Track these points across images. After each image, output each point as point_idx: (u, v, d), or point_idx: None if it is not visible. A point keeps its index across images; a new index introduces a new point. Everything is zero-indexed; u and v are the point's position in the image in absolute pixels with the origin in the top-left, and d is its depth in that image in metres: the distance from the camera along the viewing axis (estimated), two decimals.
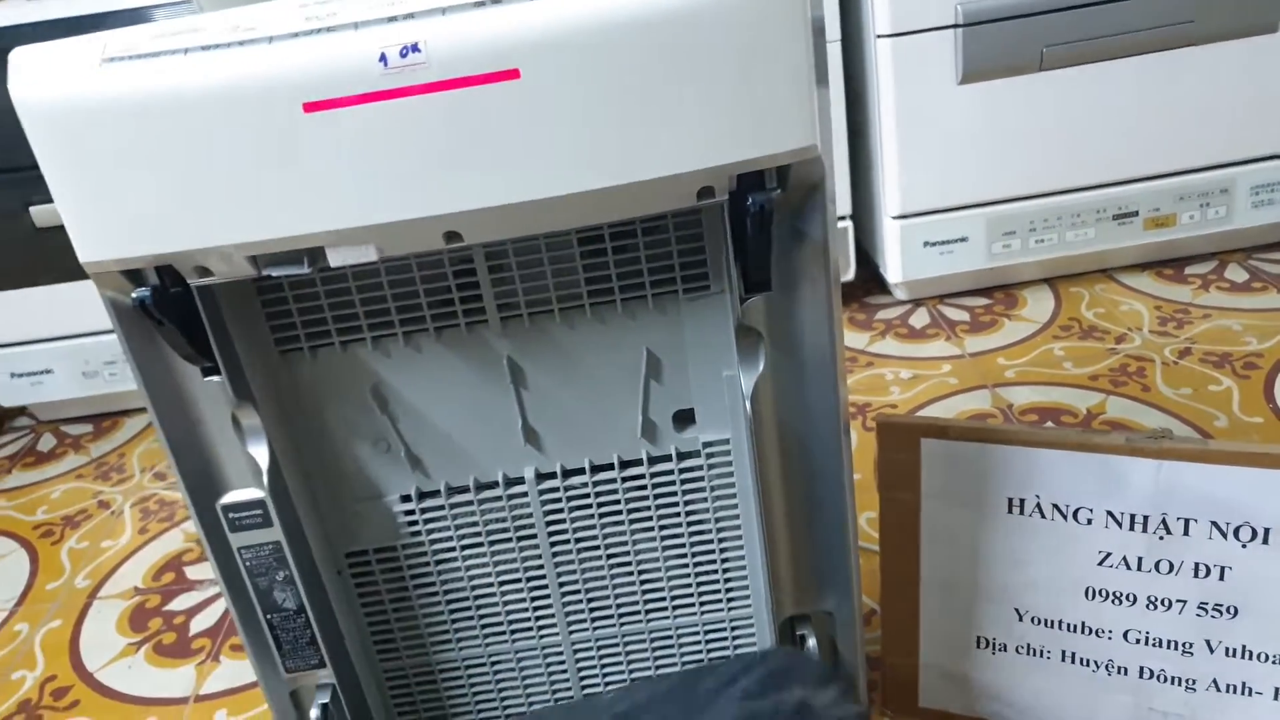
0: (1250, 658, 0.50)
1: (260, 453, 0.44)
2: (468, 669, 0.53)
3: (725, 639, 0.53)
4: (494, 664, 0.53)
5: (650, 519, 0.49)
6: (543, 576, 0.51)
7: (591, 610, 0.52)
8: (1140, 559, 0.50)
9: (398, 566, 0.50)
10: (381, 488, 0.48)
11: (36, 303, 1.06)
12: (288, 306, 0.44)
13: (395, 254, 0.37)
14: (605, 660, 0.53)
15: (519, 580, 0.51)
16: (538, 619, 0.52)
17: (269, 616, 0.46)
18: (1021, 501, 0.52)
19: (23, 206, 1.00)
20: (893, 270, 1.10)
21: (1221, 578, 0.49)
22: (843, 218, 1.12)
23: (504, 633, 0.52)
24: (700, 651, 0.53)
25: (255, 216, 0.35)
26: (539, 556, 0.50)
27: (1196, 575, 0.49)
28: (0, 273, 1.05)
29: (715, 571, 0.51)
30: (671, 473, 0.48)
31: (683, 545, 0.50)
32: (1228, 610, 0.49)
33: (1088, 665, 0.54)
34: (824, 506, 0.47)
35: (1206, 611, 0.50)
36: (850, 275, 1.15)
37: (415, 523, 0.49)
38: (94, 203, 0.35)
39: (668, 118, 0.35)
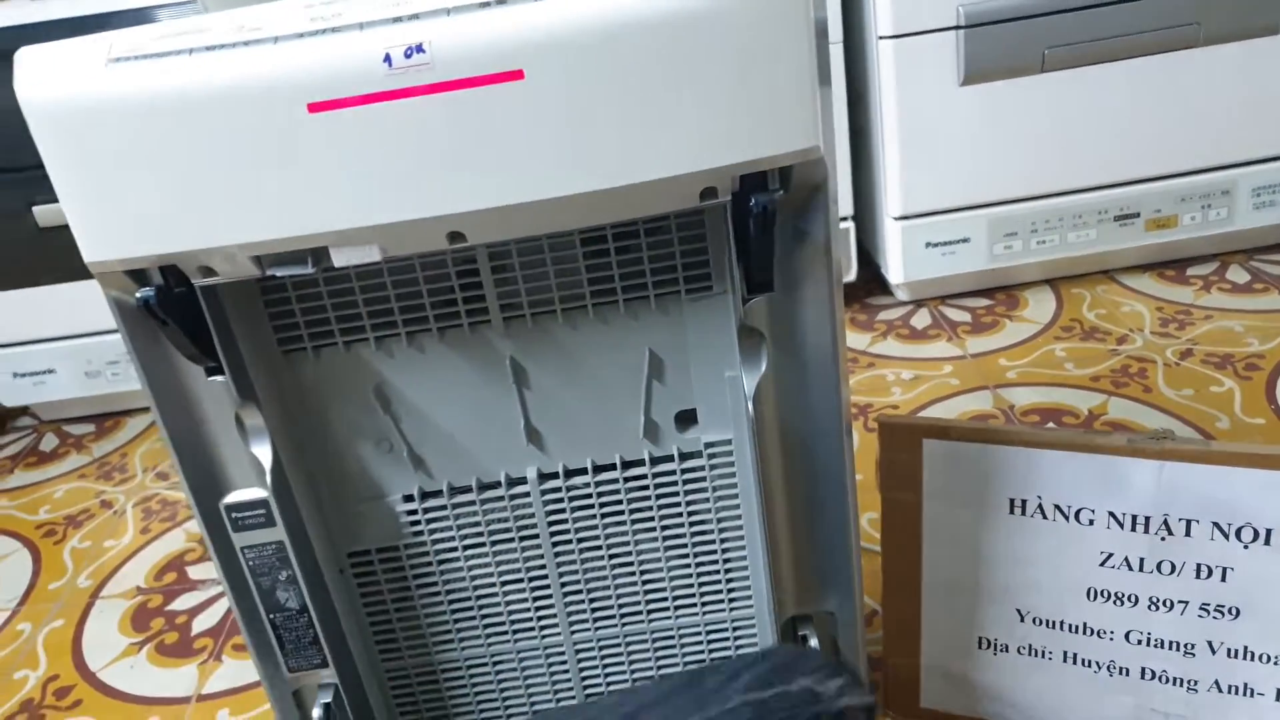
0: (1252, 658, 0.50)
1: (263, 452, 0.44)
2: (470, 669, 0.53)
3: (727, 639, 0.53)
4: (496, 664, 0.53)
5: (652, 519, 0.49)
6: (545, 576, 0.51)
7: (594, 610, 0.52)
8: (1142, 560, 0.50)
9: (400, 566, 0.50)
10: (384, 488, 0.48)
11: (39, 303, 1.06)
12: (291, 306, 0.44)
13: (399, 254, 0.38)
14: (607, 660, 0.53)
15: (521, 580, 0.51)
16: (540, 619, 0.52)
17: (272, 616, 0.47)
18: (1023, 502, 0.52)
19: (26, 206, 1.00)
20: (894, 271, 1.10)
21: (1223, 579, 0.49)
22: (844, 218, 1.12)
23: (506, 632, 0.52)
24: (702, 651, 0.53)
25: (260, 216, 0.35)
26: (541, 556, 0.50)
27: (1198, 576, 0.49)
28: (3, 273, 1.05)
29: (717, 572, 0.51)
30: (674, 473, 0.49)
31: (685, 545, 0.50)
32: (1229, 611, 0.49)
33: (1089, 666, 0.54)
34: (826, 507, 0.47)
35: (1208, 612, 0.50)
36: (852, 276, 1.15)
37: (418, 523, 0.49)
38: (99, 203, 0.35)
39: (671, 119, 0.35)
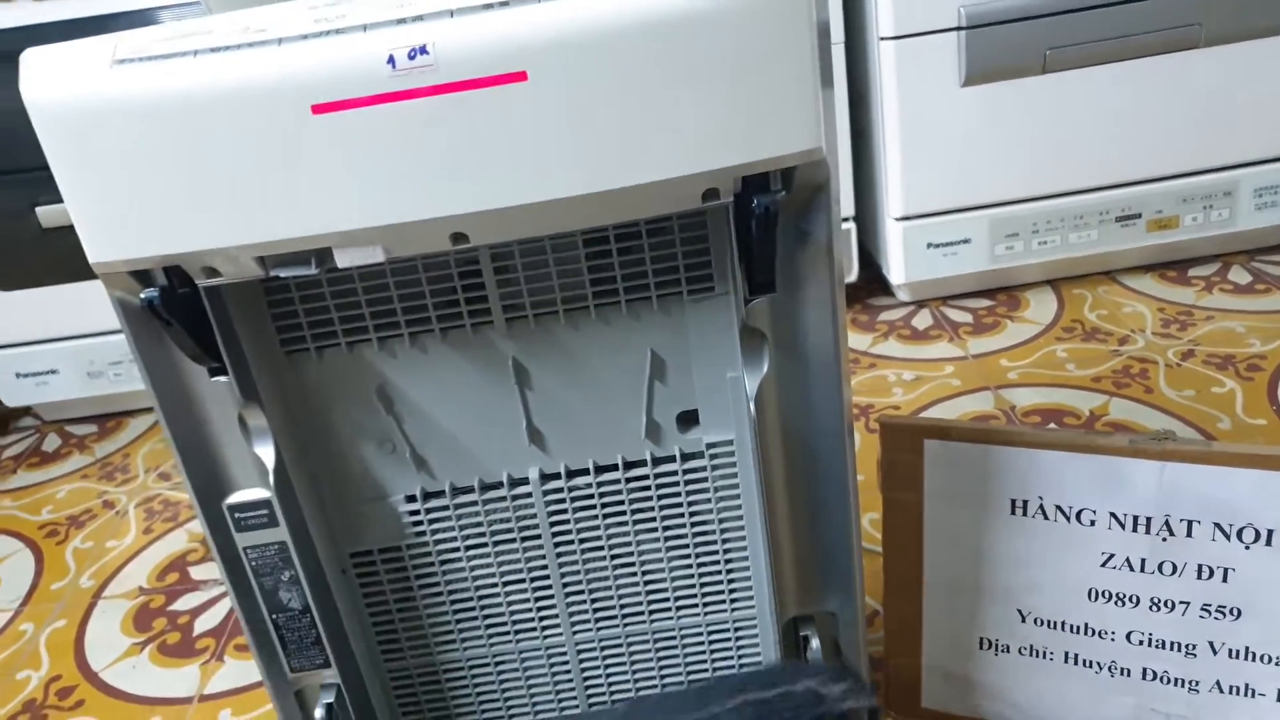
0: (1253, 659, 0.50)
1: (266, 453, 0.44)
2: (472, 669, 0.53)
3: (729, 639, 0.53)
4: (498, 664, 0.53)
5: (654, 520, 0.50)
6: (547, 577, 0.51)
7: (595, 611, 0.52)
8: (1143, 560, 0.50)
9: (402, 567, 0.50)
10: (386, 488, 0.49)
11: (42, 303, 1.06)
12: (294, 307, 0.44)
13: (402, 255, 0.38)
14: (609, 661, 0.53)
15: (523, 581, 0.51)
16: (542, 619, 0.52)
17: (274, 616, 0.47)
18: (1024, 503, 0.52)
19: (29, 207, 1.00)
20: (896, 272, 1.10)
21: (1224, 579, 0.49)
22: (846, 219, 1.12)
23: (508, 633, 0.52)
24: (704, 652, 0.53)
25: (264, 218, 0.35)
26: (543, 557, 0.50)
27: (1199, 577, 0.49)
28: (6, 273, 1.05)
29: (719, 572, 0.51)
30: (675, 473, 0.49)
31: (686, 546, 0.50)
32: (1231, 612, 0.49)
33: (1090, 666, 0.54)
34: (827, 507, 0.48)
35: (1209, 613, 0.50)
36: (853, 277, 1.15)
37: (420, 523, 0.49)
38: (104, 204, 0.35)
39: (674, 120, 0.35)
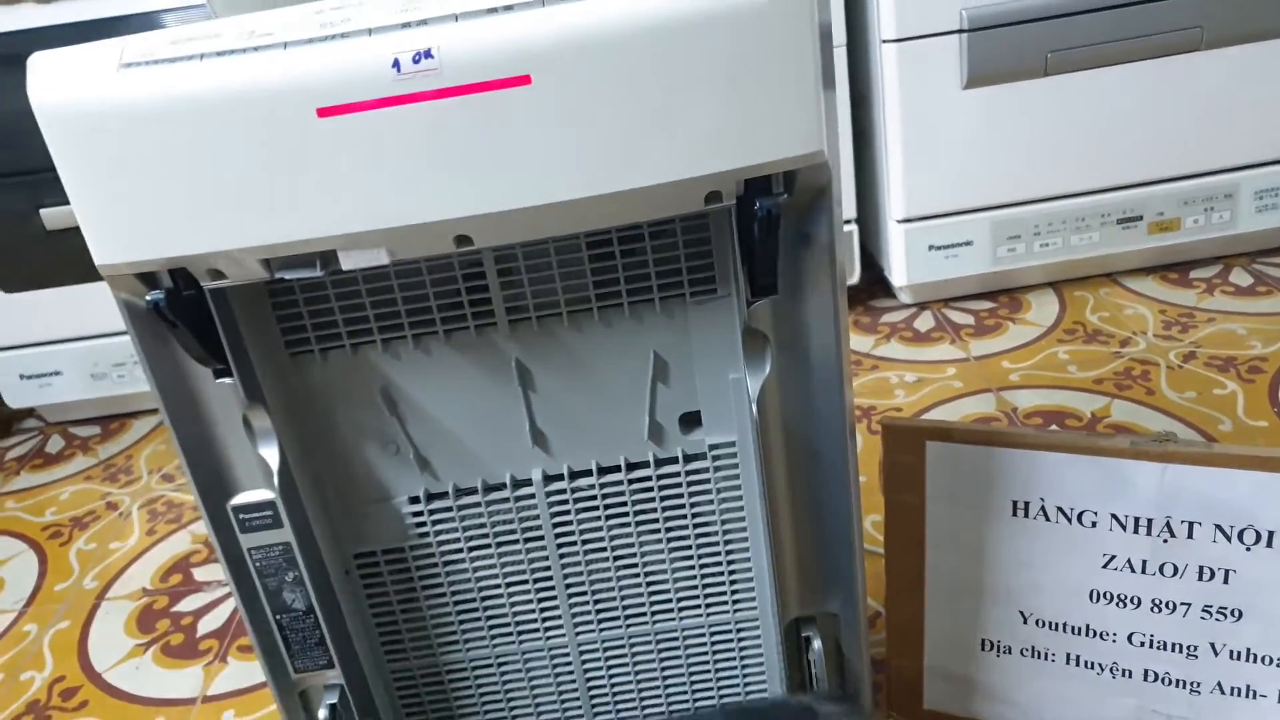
0: (1254, 660, 0.50)
1: (271, 454, 0.44)
2: (475, 670, 0.53)
3: (731, 640, 0.53)
4: (501, 665, 0.53)
5: (657, 521, 0.50)
6: (549, 578, 0.51)
7: (598, 612, 0.52)
8: (1144, 562, 0.50)
9: (406, 567, 0.50)
10: (390, 489, 0.49)
11: (46, 305, 1.07)
12: (298, 309, 0.44)
13: (406, 257, 0.38)
14: (611, 661, 0.54)
15: (526, 581, 0.51)
16: (544, 620, 0.52)
17: (278, 617, 0.47)
18: (1026, 504, 0.52)
19: (33, 209, 1.01)
20: (897, 274, 1.11)
21: (1225, 581, 0.49)
22: (848, 221, 1.12)
23: (511, 634, 0.52)
24: (706, 653, 0.54)
25: (269, 220, 0.36)
26: (546, 558, 0.50)
27: (1201, 578, 0.49)
28: (10, 275, 1.05)
29: (721, 573, 0.51)
30: (678, 475, 0.49)
31: (689, 547, 0.50)
32: (1232, 613, 0.49)
33: (1092, 668, 0.54)
34: (829, 509, 0.48)
35: (1211, 614, 0.50)
36: (855, 279, 1.15)
37: (423, 524, 0.49)
38: (110, 207, 0.35)
39: (676, 123, 0.35)
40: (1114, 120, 1.02)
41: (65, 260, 1.03)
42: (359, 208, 0.36)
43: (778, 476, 0.47)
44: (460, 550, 0.50)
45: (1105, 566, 0.51)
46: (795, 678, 0.53)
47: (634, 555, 0.50)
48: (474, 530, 0.50)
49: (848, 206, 1.11)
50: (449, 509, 0.49)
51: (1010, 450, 0.51)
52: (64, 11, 0.96)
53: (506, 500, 0.49)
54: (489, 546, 0.50)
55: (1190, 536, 0.49)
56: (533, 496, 0.49)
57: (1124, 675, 0.54)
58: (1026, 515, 0.52)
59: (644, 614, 0.52)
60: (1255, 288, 1.08)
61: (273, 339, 0.45)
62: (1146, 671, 0.53)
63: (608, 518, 0.50)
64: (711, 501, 0.49)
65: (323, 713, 0.49)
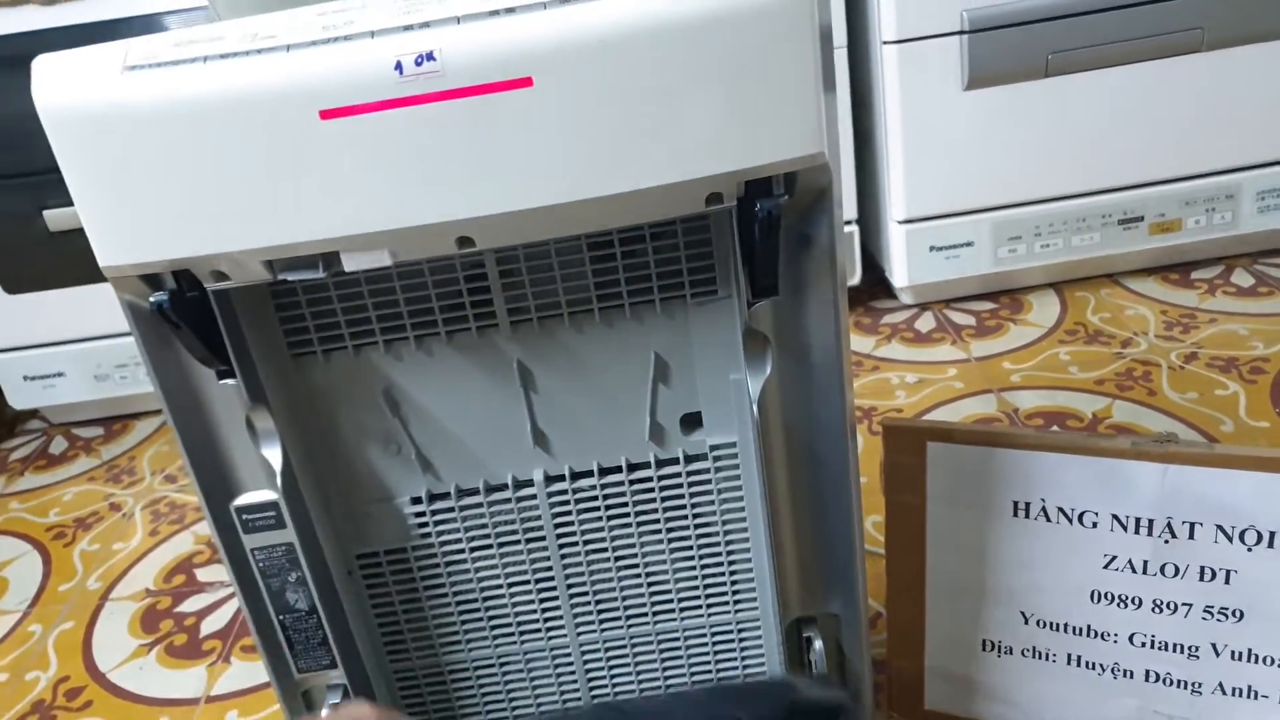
0: (1256, 661, 0.50)
1: (274, 455, 0.44)
2: (477, 670, 0.54)
3: (732, 641, 0.53)
4: (502, 665, 0.53)
5: (658, 521, 0.50)
6: (551, 578, 0.51)
7: (599, 612, 0.52)
8: (1145, 562, 0.50)
9: (408, 568, 0.50)
10: (392, 490, 0.49)
11: (49, 306, 1.07)
12: (301, 311, 0.44)
13: (408, 259, 0.38)
14: (613, 662, 0.54)
15: (528, 582, 0.51)
16: (546, 620, 0.52)
17: (281, 617, 0.47)
18: (1027, 505, 0.52)
19: (37, 210, 1.01)
20: (898, 275, 1.11)
21: (1227, 581, 0.49)
22: (849, 222, 1.12)
23: (513, 634, 0.53)
24: (707, 653, 0.54)
25: (272, 222, 0.36)
26: (547, 558, 0.50)
27: (1202, 579, 0.49)
28: (14, 276, 1.06)
29: (722, 574, 0.51)
30: (679, 475, 0.49)
31: (690, 547, 0.51)
32: (1233, 614, 0.49)
33: (1093, 668, 0.54)
34: (830, 510, 0.48)
35: (1212, 615, 0.50)
36: (856, 280, 1.15)
37: (425, 524, 0.49)
38: (115, 208, 0.36)
39: (677, 125, 0.35)
40: (1115, 121, 1.02)
41: (68, 262, 1.03)
42: (362, 209, 0.36)
43: (779, 477, 0.47)
44: (462, 551, 0.50)
45: (1106, 567, 0.51)
46: None
47: (635, 556, 0.51)
48: (476, 531, 0.50)
49: (849, 207, 1.11)
50: (451, 509, 0.49)
51: (1011, 451, 0.51)
52: (67, 14, 0.96)
53: (508, 501, 0.49)
54: (491, 547, 0.50)
55: (1191, 537, 0.49)
56: (534, 497, 0.49)
57: (1125, 676, 0.54)
58: (1027, 516, 0.52)
59: (645, 614, 0.52)
60: (1257, 288, 1.08)
61: (275, 340, 0.45)
62: (1148, 672, 0.53)
63: (609, 518, 0.50)
64: (713, 502, 0.50)
65: (325, 713, 0.49)
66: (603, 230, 0.43)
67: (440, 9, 0.35)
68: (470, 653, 0.53)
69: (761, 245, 0.39)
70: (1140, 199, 1.06)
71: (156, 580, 0.88)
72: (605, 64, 0.34)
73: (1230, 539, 0.48)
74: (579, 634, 0.53)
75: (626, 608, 0.52)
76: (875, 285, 1.20)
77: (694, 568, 0.51)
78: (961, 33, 0.98)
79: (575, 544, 0.50)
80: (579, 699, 0.55)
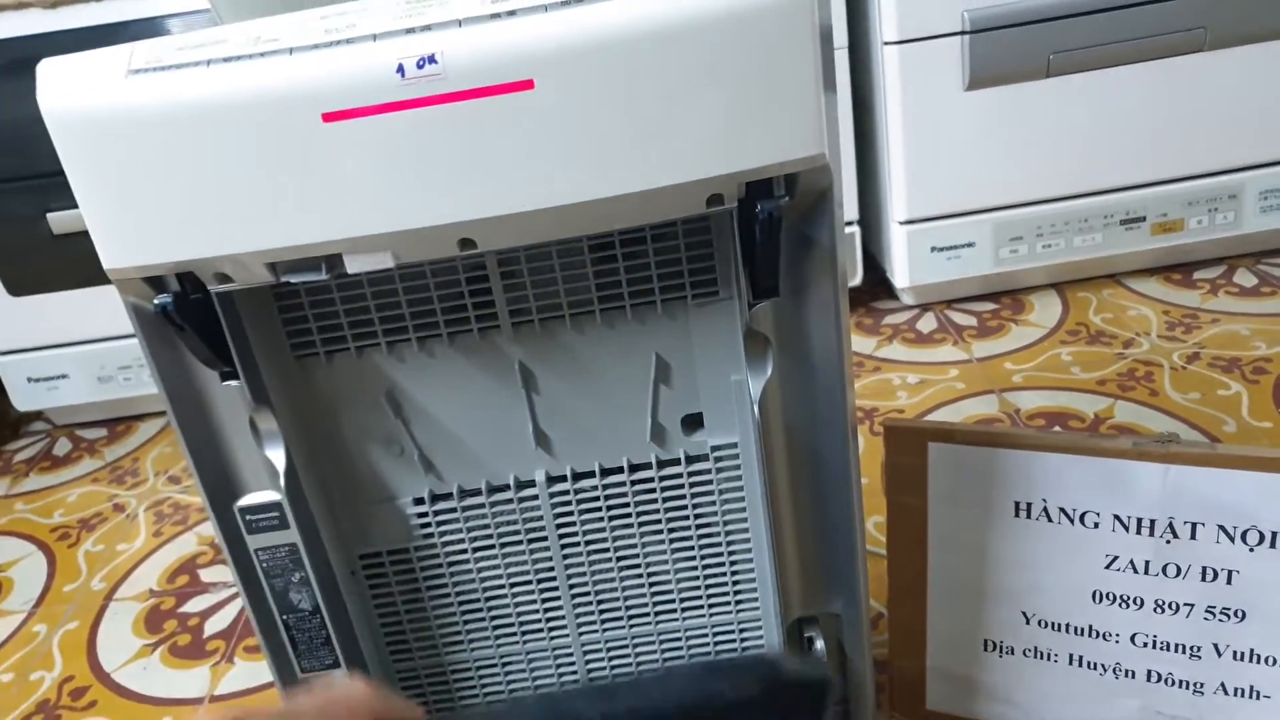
0: (1258, 661, 0.50)
1: (277, 456, 0.44)
2: (479, 669, 0.54)
3: (733, 641, 0.53)
4: (505, 665, 0.54)
5: (659, 522, 0.50)
6: (553, 578, 0.51)
7: (601, 612, 0.52)
8: (1147, 563, 0.50)
9: (410, 568, 0.51)
10: (395, 490, 0.49)
11: (53, 308, 1.07)
12: (304, 313, 0.45)
13: (411, 261, 0.38)
14: (615, 662, 0.54)
15: (530, 582, 0.51)
16: (548, 620, 0.52)
17: (285, 617, 0.47)
18: (1028, 505, 0.52)
19: (41, 213, 1.02)
20: (900, 275, 1.11)
21: (1229, 581, 0.49)
22: (850, 223, 1.12)
23: (515, 634, 0.53)
24: (709, 653, 0.54)
25: (276, 225, 0.36)
26: (549, 559, 0.51)
27: (1204, 579, 0.49)
28: (18, 278, 1.06)
29: (724, 574, 0.51)
30: (680, 476, 0.49)
31: (691, 548, 0.51)
32: (1235, 614, 0.49)
33: (1095, 668, 0.54)
34: (831, 510, 0.48)
35: (1214, 615, 0.50)
36: (857, 280, 1.15)
37: (428, 525, 0.50)
38: (119, 211, 0.36)
39: (678, 127, 0.35)
40: (1116, 121, 1.02)
41: (72, 264, 1.03)
42: (364, 211, 0.36)
43: (780, 478, 0.47)
44: (464, 551, 0.50)
45: (1108, 567, 0.51)
46: None
47: (637, 556, 0.51)
48: (478, 531, 0.50)
49: (850, 208, 1.11)
50: (453, 510, 0.49)
51: (1012, 451, 0.51)
52: (70, 17, 0.96)
53: (510, 501, 0.49)
54: (493, 547, 0.50)
55: (1193, 537, 0.49)
56: (536, 498, 0.49)
57: (1127, 676, 0.54)
58: (1029, 516, 0.52)
59: (647, 614, 0.52)
60: (1260, 288, 1.08)
61: (279, 342, 0.45)
62: (1150, 672, 0.53)
63: (611, 519, 0.50)
64: (714, 502, 0.50)
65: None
66: (604, 232, 0.43)
67: (442, 12, 0.35)
68: (473, 652, 0.53)
69: (762, 246, 0.39)
70: (1142, 199, 1.06)
71: (160, 581, 0.89)
72: (606, 66, 0.34)
73: (1232, 539, 0.48)
74: (581, 634, 0.53)
75: (628, 608, 0.52)
76: (877, 286, 1.20)
77: (696, 568, 0.51)
78: (963, 33, 0.98)
79: (577, 544, 0.50)
80: None
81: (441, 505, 0.49)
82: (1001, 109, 1.01)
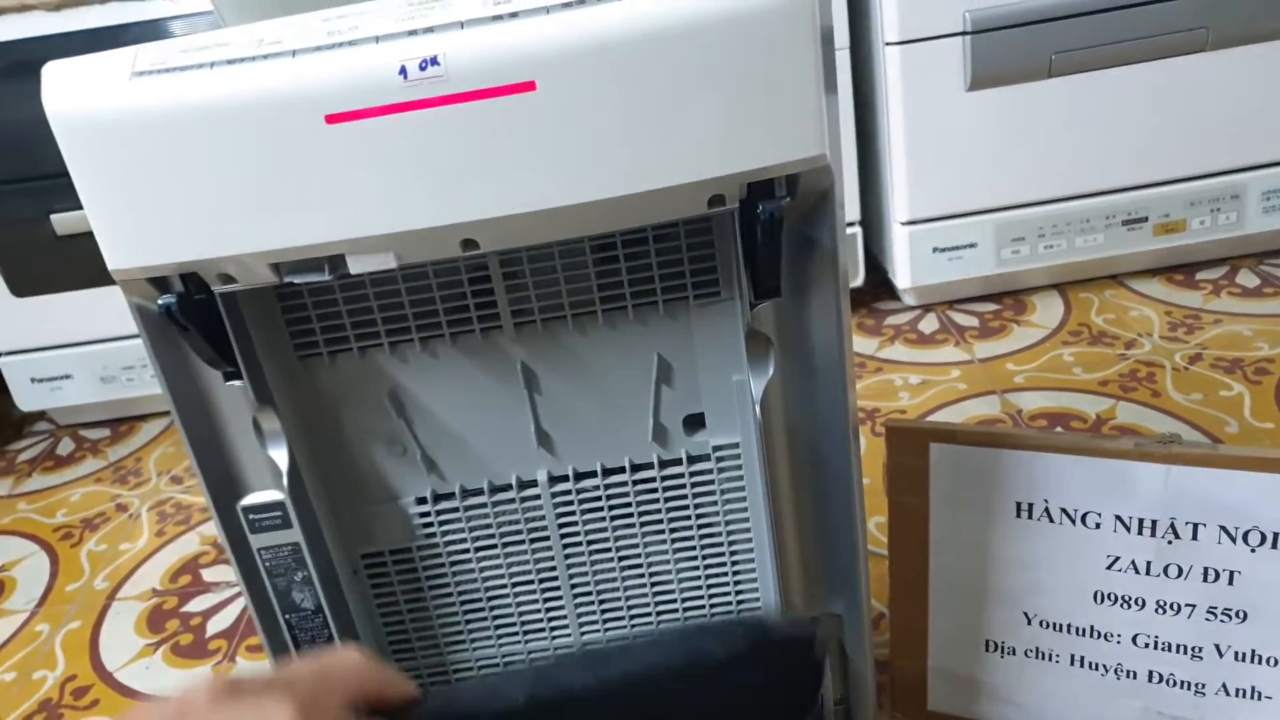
0: (1260, 662, 0.50)
1: (280, 456, 0.45)
2: (481, 669, 0.54)
3: None
4: (507, 664, 0.54)
5: (661, 522, 0.50)
6: (555, 578, 0.51)
7: (603, 612, 0.52)
8: (1149, 563, 0.50)
9: (413, 567, 0.51)
10: (397, 490, 0.49)
11: (56, 309, 1.08)
12: (307, 313, 0.45)
13: (414, 261, 0.38)
14: None
15: (532, 582, 0.51)
16: (550, 620, 0.52)
17: (288, 616, 0.47)
18: (1030, 506, 0.52)
19: (44, 214, 1.02)
20: (902, 276, 1.11)
21: (1230, 582, 0.49)
22: (852, 224, 1.12)
23: (517, 633, 0.53)
24: None
25: (279, 225, 0.36)
26: (551, 558, 0.51)
27: (1205, 580, 0.49)
28: (21, 279, 1.06)
29: (725, 574, 0.52)
30: (682, 476, 0.49)
31: (693, 548, 0.51)
32: (1237, 615, 0.49)
33: (1096, 669, 0.54)
34: (833, 510, 0.48)
35: (1216, 616, 0.50)
36: (859, 281, 1.15)
37: (430, 524, 0.50)
38: (123, 212, 0.36)
39: (680, 128, 0.35)
40: (1119, 121, 1.02)
41: (75, 265, 1.04)
42: (367, 212, 0.36)
43: (781, 478, 0.47)
44: (466, 551, 0.50)
45: (1110, 568, 0.51)
46: None
47: (639, 556, 0.51)
48: (480, 531, 0.50)
49: (851, 209, 1.11)
50: (455, 510, 0.49)
51: (1014, 452, 0.51)
52: (74, 19, 0.97)
53: (512, 501, 0.49)
54: (495, 547, 0.50)
55: (1195, 538, 0.49)
56: (538, 498, 0.49)
57: (1129, 676, 0.54)
58: (1030, 517, 0.52)
59: (649, 614, 0.52)
60: (1262, 289, 1.08)
61: (282, 342, 0.45)
62: (1151, 673, 0.53)
63: (612, 519, 0.50)
64: (715, 503, 0.50)
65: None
66: (606, 232, 0.43)
67: (444, 14, 0.35)
68: (474, 652, 0.53)
69: (764, 247, 0.39)
70: (1144, 199, 1.06)
71: (163, 580, 0.89)
72: (607, 67, 0.34)
73: (1234, 540, 0.48)
74: (583, 634, 0.53)
75: (630, 608, 0.52)
76: (878, 287, 1.20)
77: (697, 568, 0.51)
78: (964, 33, 0.98)
79: (579, 544, 0.50)
80: None
81: (444, 505, 0.49)
82: (1003, 109, 1.01)
